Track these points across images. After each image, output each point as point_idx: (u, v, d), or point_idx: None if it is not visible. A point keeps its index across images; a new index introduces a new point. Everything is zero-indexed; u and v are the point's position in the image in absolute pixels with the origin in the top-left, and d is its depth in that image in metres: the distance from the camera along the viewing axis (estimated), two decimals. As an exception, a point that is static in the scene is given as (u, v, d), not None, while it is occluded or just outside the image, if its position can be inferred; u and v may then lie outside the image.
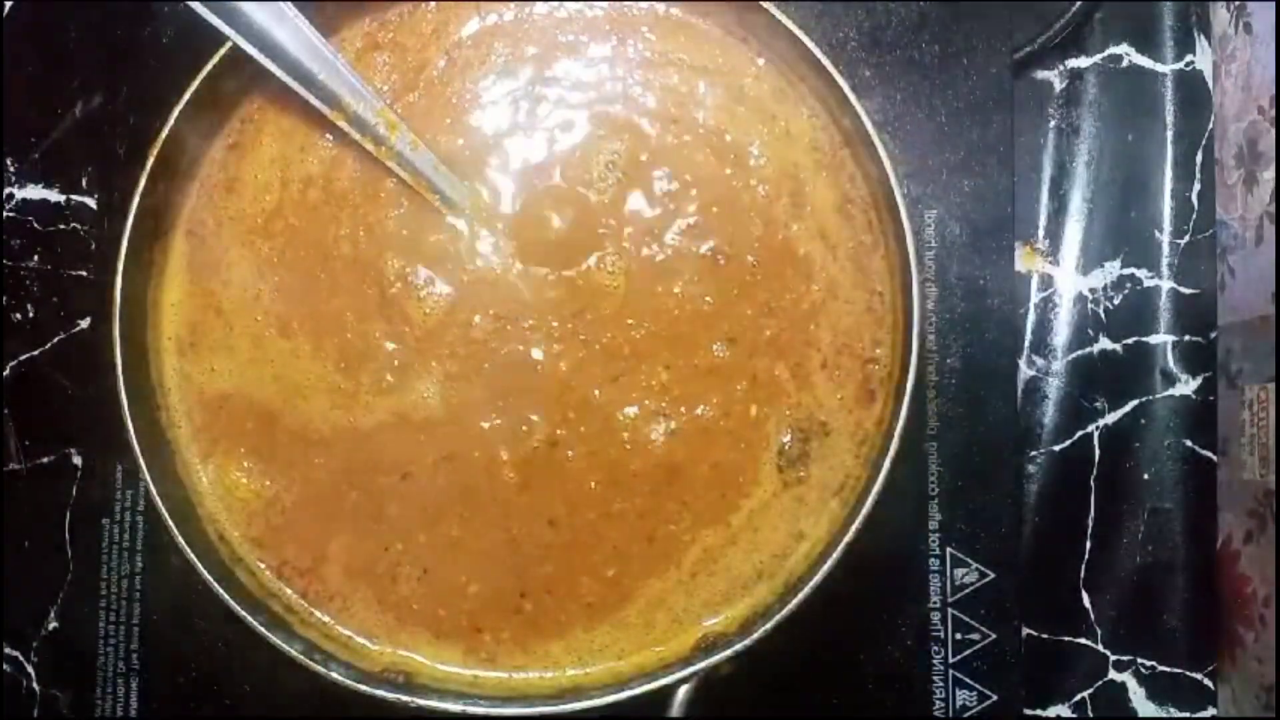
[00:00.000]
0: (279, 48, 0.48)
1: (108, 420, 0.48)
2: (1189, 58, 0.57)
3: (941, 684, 0.53)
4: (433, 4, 0.52)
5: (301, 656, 0.47)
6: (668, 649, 0.49)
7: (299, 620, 0.49)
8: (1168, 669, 0.55)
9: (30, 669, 0.56)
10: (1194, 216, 0.57)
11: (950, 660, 0.53)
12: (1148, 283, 0.57)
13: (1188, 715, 0.55)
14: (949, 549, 0.54)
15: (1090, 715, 0.55)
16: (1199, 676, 0.55)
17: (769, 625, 0.46)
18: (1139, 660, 0.55)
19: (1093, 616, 0.55)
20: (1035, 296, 0.57)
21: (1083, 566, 0.55)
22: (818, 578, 0.46)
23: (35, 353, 0.58)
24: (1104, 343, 0.56)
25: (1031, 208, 0.57)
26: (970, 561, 0.54)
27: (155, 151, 0.49)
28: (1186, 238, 0.57)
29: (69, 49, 0.58)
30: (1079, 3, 0.56)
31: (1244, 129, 0.56)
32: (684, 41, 0.52)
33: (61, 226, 0.58)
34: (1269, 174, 0.54)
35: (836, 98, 0.49)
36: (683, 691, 0.47)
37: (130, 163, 0.54)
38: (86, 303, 0.57)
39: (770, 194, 0.51)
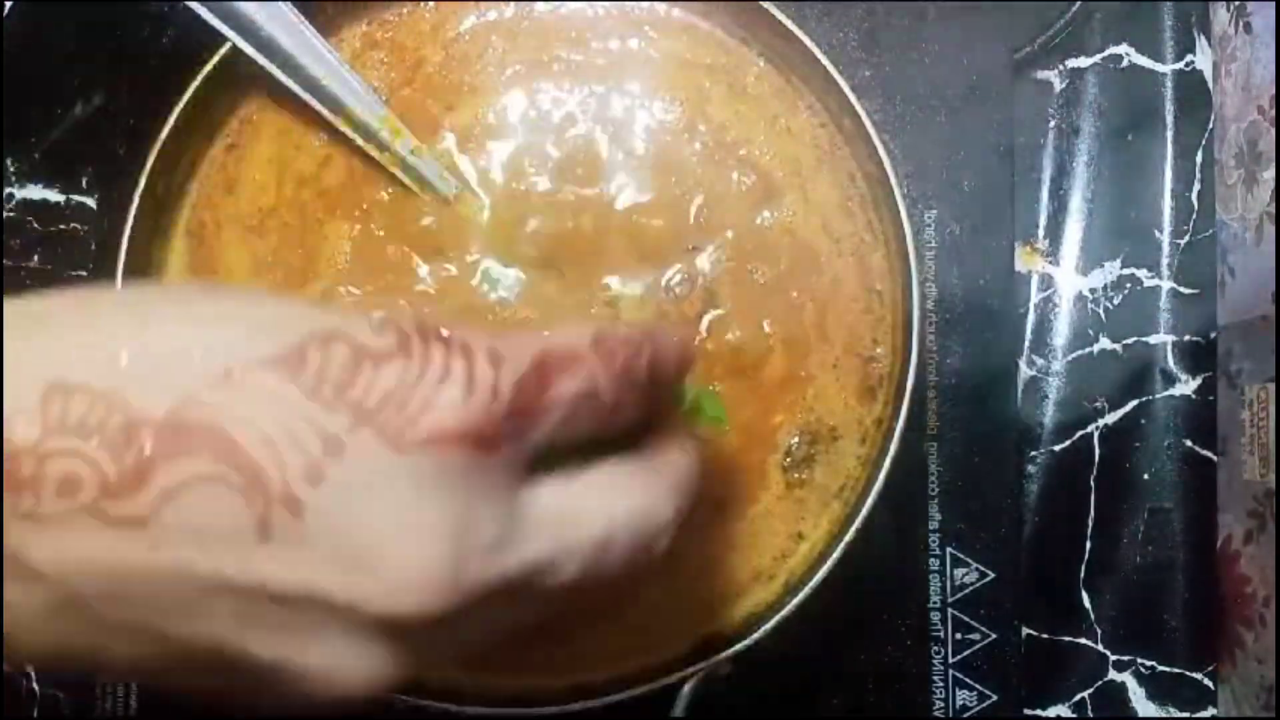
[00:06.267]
0: (280, 49, 0.48)
1: (107, 420, 0.48)
2: (1189, 58, 0.57)
3: (941, 684, 0.53)
4: (431, 3, 0.52)
5: (301, 657, 0.47)
6: (668, 649, 0.49)
7: (299, 620, 0.49)
8: (1168, 669, 0.55)
9: (30, 669, 0.56)
10: (1194, 216, 0.57)
11: (950, 660, 0.53)
12: (1148, 283, 0.56)
13: (1188, 715, 0.55)
14: (949, 549, 0.54)
15: (1090, 715, 0.55)
16: (1199, 676, 0.55)
17: (769, 625, 0.46)
18: (1139, 660, 0.55)
19: (1093, 616, 0.55)
20: (1035, 296, 0.57)
21: (1083, 566, 0.55)
22: (818, 578, 0.46)
23: (35, 353, 0.58)
24: (1104, 343, 0.56)
25: (1031, 208, 0.57)
26: (970, 561, 0.54)
27: (155, 151, 0.49)
28: (1186, 238, 0.57)
29: (69, 49, 0.58)
30: (1079, 3, 0.56)
31: (1244, 129, 0.56)
32: (685, 41, 0.52)
33: (61, 226, 0.58)
34: (1269, 174, 0.54)
35: (836, 98, 0.49)
36: (683, 691, 0.47)
37: (130, 163, 0.53)
38: (86, 303, 0.57)
39: (780, 187, 0.51)
